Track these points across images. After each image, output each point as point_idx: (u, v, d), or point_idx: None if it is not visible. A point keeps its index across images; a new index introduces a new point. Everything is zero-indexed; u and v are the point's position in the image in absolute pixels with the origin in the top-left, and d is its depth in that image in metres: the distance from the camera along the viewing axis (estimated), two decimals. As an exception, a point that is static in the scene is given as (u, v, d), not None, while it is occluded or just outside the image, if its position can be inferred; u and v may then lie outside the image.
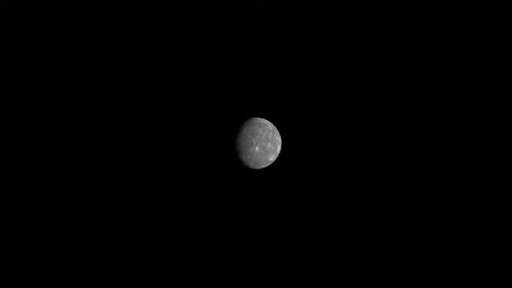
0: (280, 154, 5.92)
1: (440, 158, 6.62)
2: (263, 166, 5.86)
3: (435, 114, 6.64)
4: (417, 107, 6.69)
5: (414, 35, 6.69)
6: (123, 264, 6.53)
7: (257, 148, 5.82)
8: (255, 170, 5.92)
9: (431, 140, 6.73)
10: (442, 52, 6.69)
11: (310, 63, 6.64)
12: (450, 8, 6.70)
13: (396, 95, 6.70)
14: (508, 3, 6.65)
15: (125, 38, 6.61)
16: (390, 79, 6.81)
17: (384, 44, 6.68)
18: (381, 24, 6.70)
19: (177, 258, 6.60)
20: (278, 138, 5.83)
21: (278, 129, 5.91)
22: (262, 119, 5.82)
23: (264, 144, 5.80)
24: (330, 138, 6.12)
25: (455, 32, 6.71)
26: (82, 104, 6.58)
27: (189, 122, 6.28)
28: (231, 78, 6.69)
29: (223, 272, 6.56)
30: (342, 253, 6.59)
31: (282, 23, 6.72)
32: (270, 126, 5.84)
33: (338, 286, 6.57)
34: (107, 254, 6.53)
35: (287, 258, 6.46)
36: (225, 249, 6.43)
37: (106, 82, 6.62)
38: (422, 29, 6.71)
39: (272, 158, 5.86)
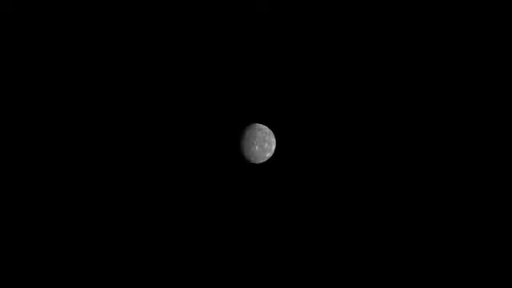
0: (275, 152, 6.17)
1: (424, 157, 6.19)
2: (261, 161, 6.16)
3: (419, 119, 6.19)
4: (402, 113, 6.18)
5: (412, 46, 6.14)
6: (134, 249, 6.13)
7: (256, 147, 6.11)
8: (255, 164, 6.15)
9: (413, 141, 6.21)
10: (431, 55, 6.16)
11: (305, 67, 6.18)
12: (448, 8, 6.11)
13: (383, 101, 6.22)
14: (508, 3, 6.06)
15: (124, 41, 6.10)
16: (382, 86, 6.18)
17: (383, 51, 6.16)
18: (381, 30, 6.14)
19: (190, 238, 6.17)
20: (273, 139, 6.16)
21: (273, 131, 6.15)
22: (261, 124, 6.16)
23: (262, 144, 6.12)
24: (316, 140, 6.24)
25: (449, 32, 6.14)
26: (83, 107, 6.10)
27: (204, 128, 6.18)
28: (237, 85, 6.11)
29: (228, 253, 6.16)
30: (333, 232, 6.18)
31: (282, 24, 6.13)
32: (267, 129, 6.16)
33: (333, 272, 6.15)
34: (120, 243, 6.14)
35: (282, 235, 6.17)
36: (232, 228, 6.17)
37: (108, 86, 6.13)
38: (418, 41, 6.14)
39: (268, 155, 6.16)
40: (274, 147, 6.09)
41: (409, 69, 6.22)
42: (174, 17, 6.12)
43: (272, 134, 6.09)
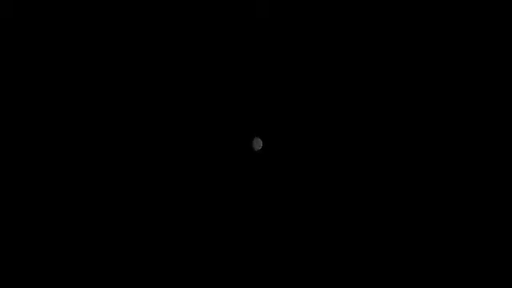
0: (264, 148, 8.42)
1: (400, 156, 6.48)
2: (257, 151, 9.27)
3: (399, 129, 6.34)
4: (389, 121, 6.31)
5: (413, 58, 6.06)
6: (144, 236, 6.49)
7: (256, 146, 8.25)
8: (256, 152, 9.26)
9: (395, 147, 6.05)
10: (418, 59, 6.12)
11: (303, 74, 6.98)
12: (447, 8, 6.11)
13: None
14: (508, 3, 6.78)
15: (123, 47, 5.96)
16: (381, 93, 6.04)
17: (385, 62, 6.35)
18: (384, 40, 6.42)
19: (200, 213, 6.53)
20: (261, 142, 8.36)
21: (261, 138, 8.31)
22: (257, 137, 8.96)
23: (260, 144, 8.44)
24: (289, 141, 7.03)
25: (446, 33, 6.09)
26: (84, 111, 6.25)
27: (229, 135, 6.73)
28: (244, 98, 6.58)
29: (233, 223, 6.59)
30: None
31: (282, 28, 6.72)
32: (259, 139, 8.45)
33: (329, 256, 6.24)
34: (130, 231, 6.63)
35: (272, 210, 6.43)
36: (237, 200, 6.75)
37: (110, 89, 6.55)
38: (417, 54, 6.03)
39: (260, 149, 9.23)
40: (261, 144, 8.08)
41: (396, 79, 6.78)
42: (172, 22, 6.80)
43: (260, 140, 7.87)
